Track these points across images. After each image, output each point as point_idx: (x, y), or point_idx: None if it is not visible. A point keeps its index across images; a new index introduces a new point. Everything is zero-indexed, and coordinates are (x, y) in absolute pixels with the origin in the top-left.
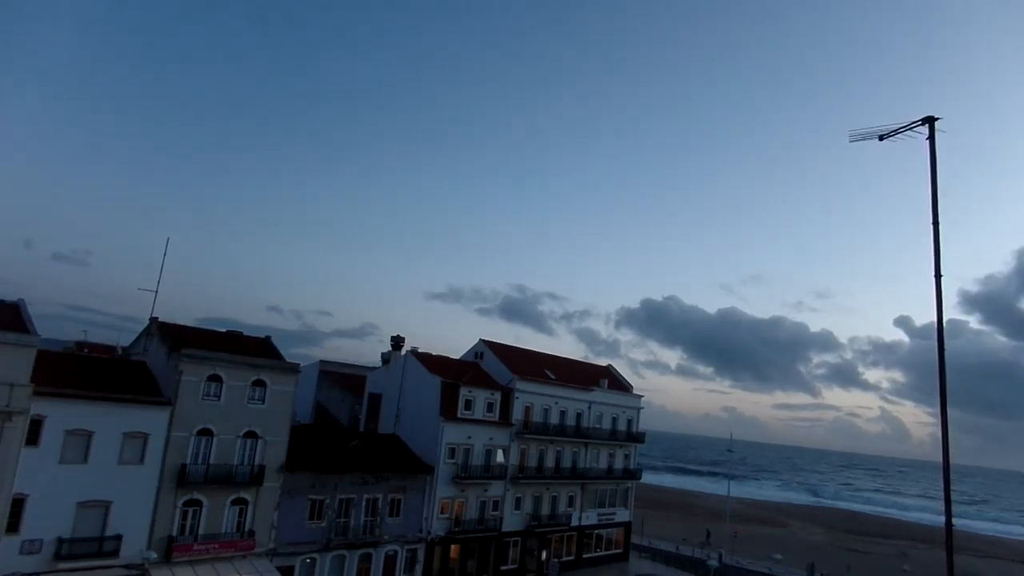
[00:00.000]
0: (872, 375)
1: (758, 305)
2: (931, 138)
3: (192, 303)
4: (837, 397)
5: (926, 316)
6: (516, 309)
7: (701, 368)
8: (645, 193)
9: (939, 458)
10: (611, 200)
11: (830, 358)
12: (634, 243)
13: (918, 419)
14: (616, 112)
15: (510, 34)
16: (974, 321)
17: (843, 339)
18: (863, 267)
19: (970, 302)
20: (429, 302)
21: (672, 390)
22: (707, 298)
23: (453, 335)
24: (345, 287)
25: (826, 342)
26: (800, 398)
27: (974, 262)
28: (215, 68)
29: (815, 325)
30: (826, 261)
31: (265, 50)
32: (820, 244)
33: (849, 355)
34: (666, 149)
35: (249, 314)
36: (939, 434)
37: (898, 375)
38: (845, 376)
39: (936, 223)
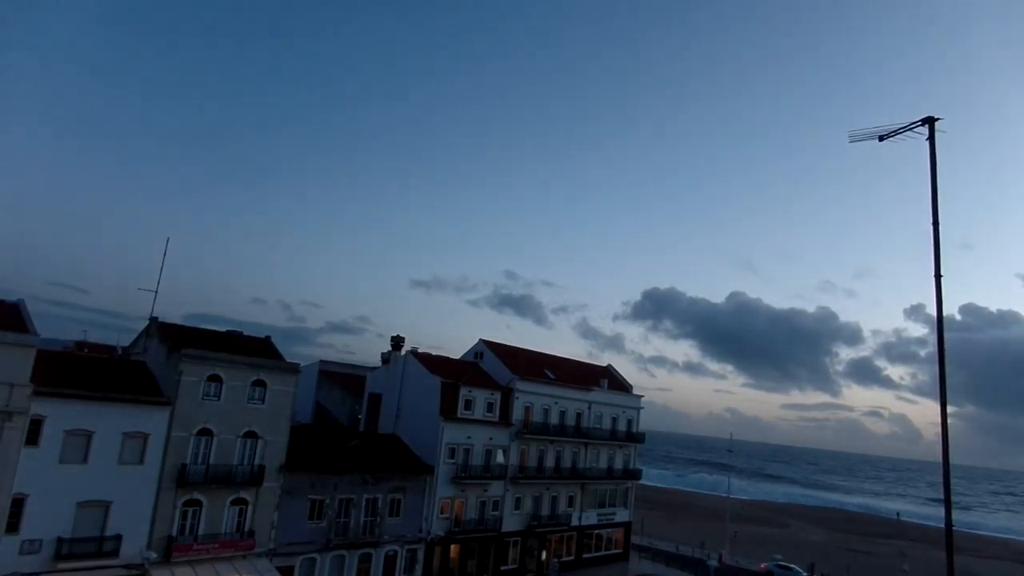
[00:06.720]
0: (895, 371)
1: (780, 286)
2: (931, 139)
3: (179, 299)
4: (855, 396)
5: (953, 305)
6: (509, 300)
7: (712, 365)
8: (646, 177)
9: (963, 460)
10: (609, 185)
11: (853, 352)
12: (635, 228)
13: (937, 418)
14: (608, 93)
15: (506, 21)
16: None
17: (867, 331)
18: (890, 253)
19: None
20: (413, 290)
21: (680, 388)
22: (717, 288)
23: (445, 326)
24: (332, 276)
25: (850, 334)
26: (818, 397)
27: None
28: (200, 60)
29: (842, 314)
30: (857, 242)
31: (250, 44)
32: (846, 227)
33: (873, 348)
34: (666, 135)
35: (233, 307)
36: (959, 434)
37: (918, 370)
38: (866, 372)
39: (936, 224)
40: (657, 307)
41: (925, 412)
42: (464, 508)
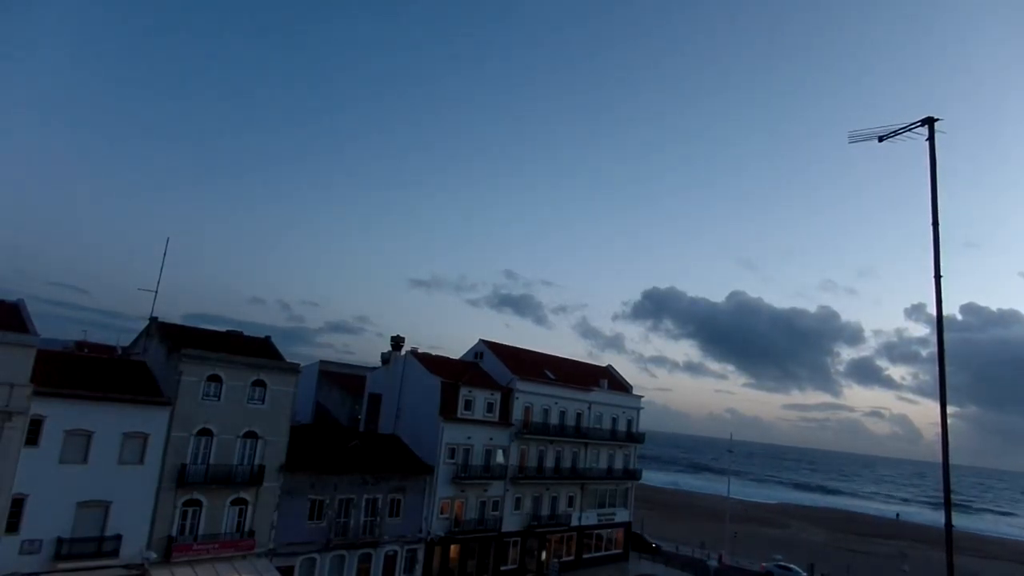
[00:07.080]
0: (896, 371)
1: (781, 286)
2: (931, 139)
3: (179, 299)
4: (856, 396)
5: (954, 304)
6: (509, 300)
7: (713, 365)
8: (646, 176)
9: (964, 461)
10: (609, 185)
11: (854, 352)
12: (635, 227)
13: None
14: (608, 92)
15: (505, 21)
16: None
17: (868, 331)
18: (891, 253)
19: None
20: (412, 290)
21: (680, 388)
22: (717, 288)
23: (444, 326)
24: (332, 276)
25: (851, 333)
26: (819, 398)
27: None
28: (201, 61)
29: (843, 313)
30: (858, 241)
31: (250, 46)
32: (847, 227)
33: (874, 347)
34: (666, 134)
35: (232, 307)
36: (960, 434)
37: (919, 370)
38: (867, 372)
39: (936, 224)
40: (657, 307)
41: (926, 412)
42: (464, 508)
